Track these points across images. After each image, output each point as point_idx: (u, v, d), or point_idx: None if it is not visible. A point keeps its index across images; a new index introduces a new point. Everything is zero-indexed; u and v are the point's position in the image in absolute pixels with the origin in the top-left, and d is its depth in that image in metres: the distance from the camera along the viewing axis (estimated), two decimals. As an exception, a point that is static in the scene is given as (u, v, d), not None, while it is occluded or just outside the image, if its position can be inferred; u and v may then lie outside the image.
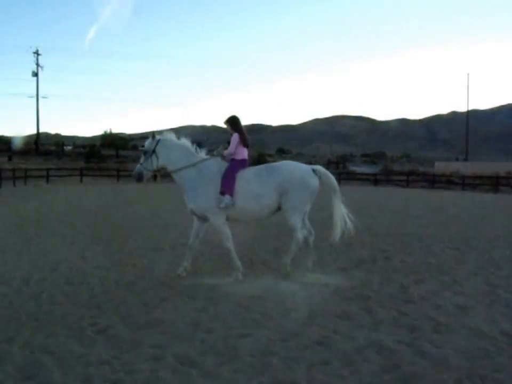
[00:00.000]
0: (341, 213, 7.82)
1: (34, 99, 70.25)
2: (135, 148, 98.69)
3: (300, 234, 7.50)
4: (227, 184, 7.32)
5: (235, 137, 7.68)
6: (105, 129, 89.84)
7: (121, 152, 69.47)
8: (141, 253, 9.44)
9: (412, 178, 45.24)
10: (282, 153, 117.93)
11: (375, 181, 44.89)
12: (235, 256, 7.56)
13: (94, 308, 6.04)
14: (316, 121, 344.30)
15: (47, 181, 36.21)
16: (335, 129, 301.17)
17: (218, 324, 5.48)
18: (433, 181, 42.07)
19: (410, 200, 25.65)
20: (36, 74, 69.84)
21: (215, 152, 7.96)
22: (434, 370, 4.28)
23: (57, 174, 39.49)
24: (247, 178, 7.45)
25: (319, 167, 7.70)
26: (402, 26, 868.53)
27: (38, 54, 69.98)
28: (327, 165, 69.60)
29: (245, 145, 7.77)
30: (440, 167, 58.53)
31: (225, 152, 7.73)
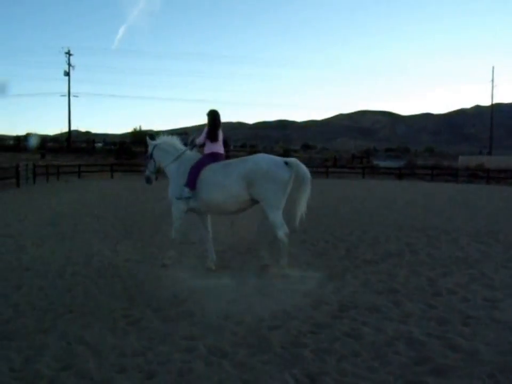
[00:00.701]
0: (304, 203, 7.44)
1: (66, 98, 71.04)
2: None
3: (281, 231, 7.13)
4: (189, 177, 7.46)
5: (205, 130, 7.77)
6: (135, 126, 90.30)
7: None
8: (171, 247, 9.45)
9: (436, 172, 44.69)
10: (307, 148, 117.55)
11: (399, 175, 44.46)
12: (173, 248, 7.85)
13: (126, 300, 6.06)
14: (340, 117, 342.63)
15: (79, 176, 36.56)
16: (359, 124, 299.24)
17: (249, 316, 5.46)
18: (458, 175, 41.55)
19: (435, 194, 25.32)
20: (67, 73, 70.60)
21: (188, 143, 8.07)
22: (466, 363, 4.19)
23: (89, 170, 39.82)
24: (214, 170, 7.42)
25: (292, 160, 7.27)
26: (425, 19, 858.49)
27: (69, 54, 70.72)
28: (352, 160, 69.31)
29: (215, 140, 7.72)
30: (464, 160, 57.67)
31: (197, 141, 7.88)
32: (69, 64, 70.92)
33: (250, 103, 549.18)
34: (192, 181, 7.42)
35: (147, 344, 4.62)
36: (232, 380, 3.92)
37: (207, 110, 7.90)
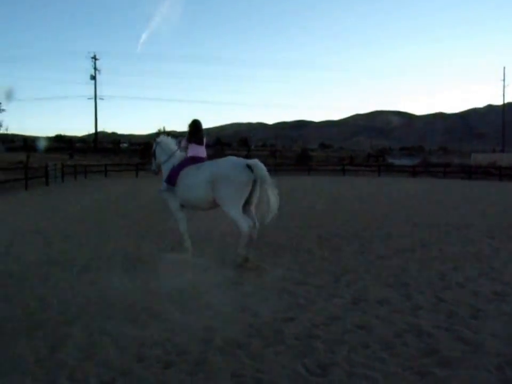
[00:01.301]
0: (274, 200, 7.44)
1: (93, 100, 71.73)
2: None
3: (244, 224, 7.20)
4: (170, 174, 8.14)
5: (185, 137, 8.38)
6: (159, 128, 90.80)
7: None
8: (192, 242, 9.49)
9: (449, 170, 44.39)
10: (324, 147, 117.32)
11: (414, 172, 44.21)
12: (186, 239, 8.16)
13: (147, 293, 6.09)
14: (357, 117, 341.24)
15: (105, 175, 36.92)
16: (374, 124, 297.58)
17: (265, 308, 5.47)
18: (470, 172, 41.17)
19: (448, 191, 25.14)
20: (93, 77, 71.40)
21: (177, 146, 8.60)
22: (473, 355, 4.16)
23: (114, 169, 40.20)
24: (189, 171, 7.87)
25: (252, 161, 7.44)
26: (439, 20, 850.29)
27: (95, 59, 71.47)
28: (368, 158, 69.01)
29: (198, 144, 8.20)
30: (477, 158, 57.10)
31: (182, 144, 8.44)
32: (95, 68, 71.71)
33: (270, 104, 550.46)
34: (170, 178, 8.07)
35: (166, 335, 4.64)
36: (246, 370, 3.92)
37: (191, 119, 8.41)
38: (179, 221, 8.30)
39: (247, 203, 7.53)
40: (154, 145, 8.94)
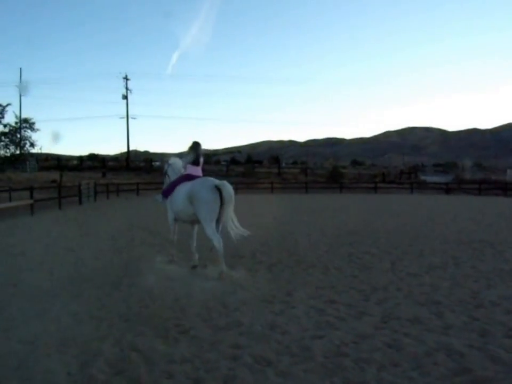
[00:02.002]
0: (229, 220, 8.17)
1: (125, 120, 72.78)
2: (218, 162, 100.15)
3: (215, 241, 8.00)
4: (167, 188, 9.16)
5: (188, 157, 9.00)
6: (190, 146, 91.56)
7: (206, 167, 70.49)
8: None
9: (484, 187, 43.64)
10: (356, 164, 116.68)
11: (447, 189, 43.63)
12: (172, 247, 9.38)
13: (178, 310, 6.16)
14: (388, 134, 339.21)
15: (137, 193, 37.34)
16: (406, 141, 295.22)
17: (294, 326, 5.48)
18: (506, 189, 40.42)
19: (482, 208, 24.72)
20: (125, 97, 72.40)
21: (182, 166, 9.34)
22: (506, 375, 4.09)
23: (146, 187, 40.61)
24: (178, 188, 8.74)
25: (220, 184, 8.09)
26: (470, 35, 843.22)
27: (127, 79, 72.55)
28: (400, 175, 68.39)
29: (195, 165, 8.90)
30: (512, 174, 56.10)
31: (183, 165, 9.22)
32: (127, 88, 72.74)
33: (301, 122, 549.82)
34: (165, 191, 9.15)
35: (195, 352, 4.69)
36: (275, 387, 3.95)
37: (192, 142, 9.06)
38: (171, 231, 9.36)
39: (217, 220, 8.17)
40: (166, 166, 9.81)
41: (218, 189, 7.99)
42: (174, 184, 8.96)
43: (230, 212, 8.16)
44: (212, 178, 8.42)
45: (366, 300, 6.57)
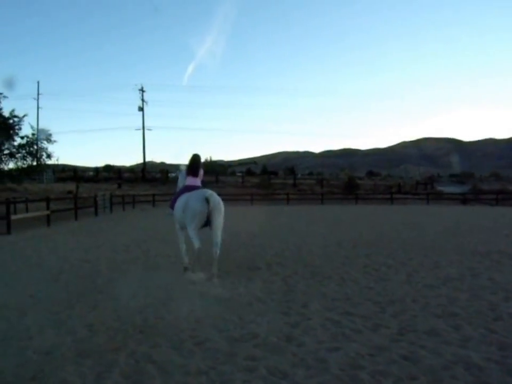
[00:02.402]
0: (219, 231, 8.90)
1: (141, 131, 73.34)
2: (233, 173, 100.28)
3: (196, 242, 8.67)
4: (172, 200, 9.77)
5: (182, 172, 10.02)
6: (206, 157, 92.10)
7: (221, 178, 70.72)
8: (238, 272, 9.55)
9: (502, 197, 43.22)
10: (372, 175, 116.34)
11: (464, 200, 43.30)
12: (184, 256, 9.57)
13: (193, 321, 6.16)
14: (404, 144, 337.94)
15: (153, 205, 37.54)
16: (422, 151, 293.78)
17: (310, 338, 5.45)
18: (524, 199, 40.03)
19: (500, 219, 24.50)
20: (141, 109, 73.05)
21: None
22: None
23: (162, 198, 40.77)
24: (179, 198, 9.34)
25: (209, 195, 8.73)
26: (484, 46, 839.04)
27: (143, 91, 73.24)
28: (416, 186, 68.01)
29: (194, 176, 9.60)
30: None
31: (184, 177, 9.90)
32: (143, 100, 73.40)
33: (316, 133, 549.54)
34: (171, 202, 9.73)
35: (211, 364, 4.69)
36: (290, 400, 3.93)
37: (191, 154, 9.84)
38: (179, 239, 9.80)
39: (210, 227, 8.91)
40: (177, 173, 10.72)
41: (206, 199, 8.66)
42: (177, 196, 9.58)
43: (219, 220, 8.88)
44: (205, 190, 9.04)
45: (382, 312, 6.53)
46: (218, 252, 8.80)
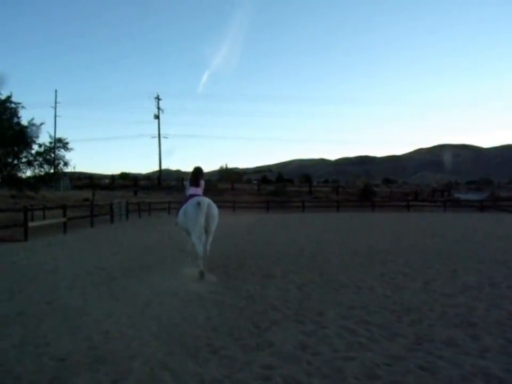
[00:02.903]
0: (211, 233, 10.04)
1: (157, 139, 73.73)
2: (248, 181, 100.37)
3: (199, 248, 9.49)
4: (177, 210, 10.87)
5: (187, 182, 11.05)
6: (221, 165, 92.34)
7: (236, 186, 70.81)
8: (253, 280, 9.53)
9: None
10: (388, 183, 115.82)
11: (481, 207, 42.86)
12: (189, 254, 10.86)
13: (209, 329, 6.16)
14: (420, 151, 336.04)
15: (169, 212, 37.60)
16: (439, 158, 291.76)
17: (325, 347, 5.42)
18: (544, 206, 39.57)
19: (519, 227, 24.23)
20: (157, 117, 73.52)
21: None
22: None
23: (178, 206, 40.79)
24: (182, 207, 10.39)
25: (201, 201, 9.66)
26: (503, 52, 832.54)
27: (158, 99, 73.76)
28: (433, 193, 67.54)
29: (195, 186, 10.63)
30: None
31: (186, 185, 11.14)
32: (158, 108, 73.90)
33: (332, 140, 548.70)
34: (177, 212, 10.89)
35: (226, 372, 4.68)
36: (306, 409, 3.90)
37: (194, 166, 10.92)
38: (186, 242, 11.12)
39: (205, 230, 9.79)
40: (185, 184, 11.47)
41: (198, 203, 9.62)
42: (182, 204, 10.58)
43: (213, 223, 9.95)
44: (200, 198, 9.97)
45: (399, 320, 6.47)
46: (208, 248, 9.98)
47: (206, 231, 9.82)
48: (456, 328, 6.08)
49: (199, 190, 10.63)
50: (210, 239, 10.06)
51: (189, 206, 9.86)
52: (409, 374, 4.57)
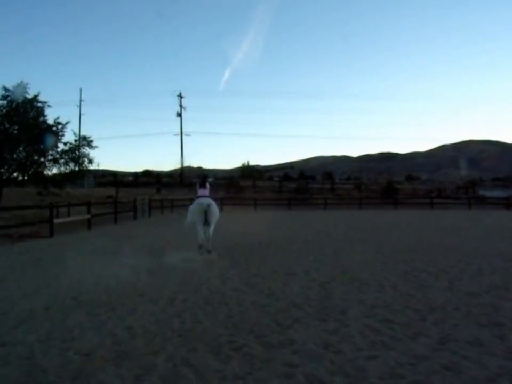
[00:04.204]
0: (212, 224, 12.77)
1: (179, 137, 74.16)
2: (270, 178, 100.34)
3: (201, 236, 12.74)
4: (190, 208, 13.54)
5: (198, 183, 13.98)
6: (243, 162, 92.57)
7: (258, 183, 70.86)
8: (275, 277, 9.53)
9: (549, 201, 42.05)
10: (411, 179, 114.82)
11: (508, 204, 42.25)
12: (199, 239, 12.92)
13: (231, 327, 6.17)
14: (444, 147, 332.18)
15: (191, 209, 37.77)
16: (463, 155, 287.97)
17: (348, 345, 5.38)
18: None
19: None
20: (179, 114, 74.01)
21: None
22: None
23: (189, 204, 40.97)
24: (191, 205, 13.38)
25: (203, 200, 12.79)
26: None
27: (181, 97, 74.17)
28: (457, 190, 66.81)
29: (202, 188, 13.37)
30: None
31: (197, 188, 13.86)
32: (181, 106, 74.33)
33: (354, 137, 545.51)
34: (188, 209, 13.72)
35: (248, 369, 4.67)
36: (328, 407, 3.88)
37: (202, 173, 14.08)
38: (198, 233, 12.96)
39: (206, 224, 12.63)
40: (196, 185, 14.08)
41: (201, 203, 12.63)
42: (191, 205, 13.55)
43: (213, 217, 12.72)
44: (204, 199, 12.79)
45: (423, 319, 6.40)
46: (211, 235, 12.76)
47: (208, 223, 12.60)
48: (481, 328, 5.99)
49: (206, 191, 13.35)
50: (211, 227, 12.76)
51: (195, 205, 12.89)
52: (434, 374, 4.50)
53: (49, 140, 25.24)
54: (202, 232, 12.60)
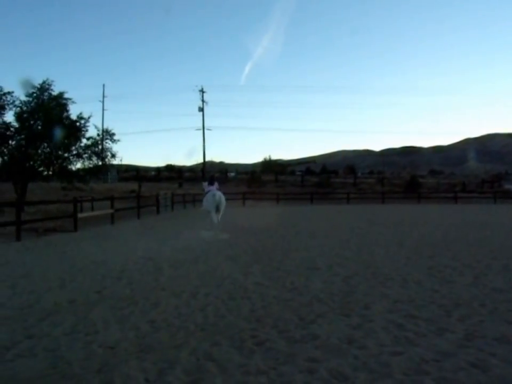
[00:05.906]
0: (221, 211, 16.54)
1: (201, 131, 74.27)
2: (292, 173, 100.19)
3: (214, 219, 16.14)
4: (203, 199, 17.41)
5: (207, 182, 18.03)
6: (265, 156, 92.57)
7: (280, 177, 70.75)
8: (298, 272, 9.50)
9: None
10: (434, 174, 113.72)
11: (534, 199, 41.63)
12: (212, 227, 16.25)
13: (254, 321, 6.15)
14: (468, 141, 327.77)
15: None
16: (488, 148, 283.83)
17: (372, 340, 5.33)
18: None
19: None
20: (201, 109, 73.99)
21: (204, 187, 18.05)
22: None
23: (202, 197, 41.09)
24: (206, 196, 16.84)
25: (215, 192, 16.52)
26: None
27: (203, 92, 74.17)
28: (482, 184, 65.99)
29: (211, 185, 17.06)
30: None
31: (204, 185, 18.09)
32: (203, 101, 74.32)
33: (376, 131, 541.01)
34: (203, 199, 17.42)
35: (271, 364, 4.65)
36: (352, 403, 3.85)
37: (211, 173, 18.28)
38: (211, 218, 16.28)
39: (217, 211, 16.36)
40: (205, 183, 18.11)
41: (213, 195, 16.26)
42: (205, 195, 17.07)
43: (222, 206, 16.51)
44: (215, 191, 16.50)
45: (448, 315, 6.32)
46: (219, 219, 16.39)
47: (219, 210, 16.36)
48: (509, 325, 5.87)
49: (214, 188, 16.80)
50: (221, 213, 16.56)
51: (208, 196, 16.44)
52: (460, 370, 4.42)
53: (73, 135, 25.53)
54: (215, 217, 16.15)
